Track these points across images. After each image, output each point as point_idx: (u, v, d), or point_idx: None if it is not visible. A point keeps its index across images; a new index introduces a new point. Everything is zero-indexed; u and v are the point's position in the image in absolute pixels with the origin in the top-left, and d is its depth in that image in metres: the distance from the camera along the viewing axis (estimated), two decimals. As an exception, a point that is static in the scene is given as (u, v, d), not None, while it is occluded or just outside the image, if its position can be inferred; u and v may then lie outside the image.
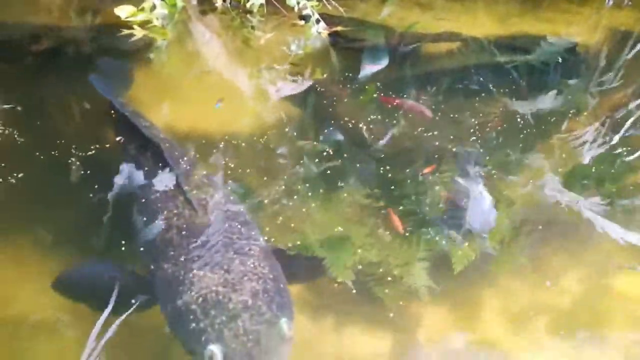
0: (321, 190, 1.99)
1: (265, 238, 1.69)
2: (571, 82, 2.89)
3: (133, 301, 1.51)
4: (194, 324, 1.33)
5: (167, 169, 1.82)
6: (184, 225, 1.61)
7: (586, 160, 2.23)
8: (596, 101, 2.72)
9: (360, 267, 1.69)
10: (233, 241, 1.56)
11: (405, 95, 2.58)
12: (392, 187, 2.02)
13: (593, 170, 2.17)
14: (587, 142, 2.34)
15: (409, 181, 2.05)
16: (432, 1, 3.84)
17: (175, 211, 1.66)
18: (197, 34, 3.28)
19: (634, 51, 3.23)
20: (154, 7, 3.07)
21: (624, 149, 2.28)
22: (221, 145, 2.18)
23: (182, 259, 1.51)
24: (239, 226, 1.64)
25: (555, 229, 1.91)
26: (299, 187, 2.00)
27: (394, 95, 2.56)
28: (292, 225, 1.84)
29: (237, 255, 1.50)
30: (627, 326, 1.56)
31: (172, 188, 1.74)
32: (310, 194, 1.97)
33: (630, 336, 1.53)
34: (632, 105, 2.60)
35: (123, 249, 1.70)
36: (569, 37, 3.43)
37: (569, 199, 2.01)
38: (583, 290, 1.66)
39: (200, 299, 1.37)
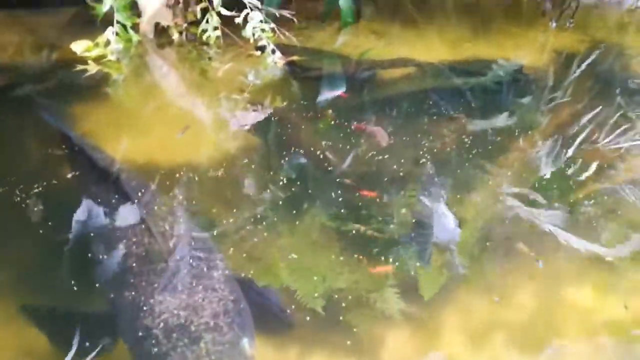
0: (286, 217, 1.98)
1: (227, 267, 1.66)
2: (523, 101, 3.00)
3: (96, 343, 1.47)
4: (156, 349, 1.33)
5: (126, 200, 1.82)
6: (143, 253, 1.62)
7: (543, 174, 2.29)
8: (548, 119, 2.82)
9: (329, 293, 1.67)
10: (193, 266, 1.58)
11: (365, 121, 2.62)
12: (358, 209, 2.01)
13: (550, 184, 2.22)
14: (542, 157, 2.41)
15: (374, 203, 2.05)
16: (386, 29, 3.96)
17: (134, 239, 1.67)
18: (155, 67, 3.26)
19: (579, 70, 3.39)
20: (108, 43, 3.05)
21: (578, 162, 2.35)
22: (182, 176, 2.14)
23: (142, 284, 1.52)
24: (199, 252, 1.66)
25: (515, 244, 1.93)
26: (263, 214, 1.98)
27: (360, 123, 2.59)
28: (257, 253, 1.81)
29: (196, 279, 1.53)
30: (582, 336, 1.58)
31: (131, 218, 1.76)
32: (275, 220, 1.96)
33: (584, 346, 1.54)
34: (582, 122, 2.71)
35: (80, 286, 1.64)
36: (517, 59, 3.58)
37: (529, 213, 2.05)
38: (537, 304, 1.67)
39: (162, 324, 1.38)
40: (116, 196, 1.86)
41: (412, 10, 4.50)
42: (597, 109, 2.82)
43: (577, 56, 3.60)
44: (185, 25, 3.34)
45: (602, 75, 3.39)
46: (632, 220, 2.05)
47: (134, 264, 1.61)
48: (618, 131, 2.63)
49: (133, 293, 1.51)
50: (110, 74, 2.99)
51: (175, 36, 3.33)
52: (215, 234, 1.86)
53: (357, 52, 3.46)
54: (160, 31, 3.37)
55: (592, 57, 3.62)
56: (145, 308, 1.44)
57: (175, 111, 2.79)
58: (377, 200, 2.06)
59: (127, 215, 1.79)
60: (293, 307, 1.64)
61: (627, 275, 1.81)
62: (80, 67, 2.95)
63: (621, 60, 3.66)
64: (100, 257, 1.71)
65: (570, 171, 2.31)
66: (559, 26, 4.03)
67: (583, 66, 3.45)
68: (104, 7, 3.11)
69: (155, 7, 3.21)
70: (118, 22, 3.11)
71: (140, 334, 1.39)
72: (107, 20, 3.15)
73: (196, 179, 2.14)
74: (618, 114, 2.79)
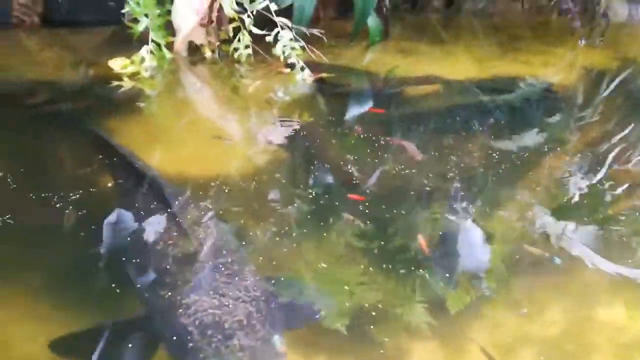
0: (313, 232, 1.99)
1: (257, 271, 1.70)
2: (552, 119, 2.99)
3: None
4: (191, 344, 1.40)
5: (162, 205, 1.91)
6: (179, 254, 1.70)
7: (572, 193, 2.27)
8: (577, 137, 2.80)
9: (355, 311, 1.67)
10: (226, 267, 1.65)
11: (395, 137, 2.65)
12: (384, 225, 2.02)
13: (580, 203, 2.21)
14: (571, 176, 2.39)
15: (400, 219, 2.06)
16: (413, 47, 4.01)
17: (170, 242, 1.76)
18: (188, 84, 3.38)
19: (609, 89, 3.36)
20: (143, 60, 3.18)
21: (608, 182, 2.33)
22: (213, 187, 2.19)
23: (178, 284, 1.59)
24: (231, 255, 1.73)
25: (545, 263, 1.92)
26: (290, 228, 2.00)
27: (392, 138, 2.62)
28: (285, 267, 1.83)
29: (230, 280, 1.59)
30: (612, 354, 1.56)
31: (167, 222, 1.84)
32: (302, 235, 1.98)
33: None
34: (612, 141, 2.68)
35: (118, 291, 1.69)
36: (546, 78, 3.57)
37: (558, 232, 2.03)
38: (568, 322, 1.66)
39: (197, 322, 1.45)
40: (154, 202, 1.93)
41: (439, 29, 4.55)
42: (628, 128, 2.79)
43: (607, 74, 3.57)
44: (217, 43, 3.45)
45: (632, 94, 3.35)
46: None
47: (169, 266, 1.67)
48: (650, 150, 2.60)
49: (169, 293, 1.56)
50: (144, 89, 3.11)
51: (208, 54, 3.44)
52: (244, 243, 1.90)
53: (385, 70, 3.51)
54: (194, 49, 3.49)
55: (623, 75, 3.58)
56: (180, 306, 1.50)
57: (207, 125, 2.87)
58: (405, 213, 2.07)
59: (163, 219, 1.86)
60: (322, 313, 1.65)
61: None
62: (115, 83, 3.07)
63: (653, 78, 3.61)
64: (136, 260, 1.77)
65: (600, 191, 2.28)
66: (588, 44, 4.01)
67: (613, 84, 3.42)
68: (140, 27, 3.25)
69: (190, 26, 3.34)
70: (153, 41, 3.24)
71: (175, 330, 1.45)
72: (143, 39, 3.29)
73: (226, 190, 2.19)
74: (649, 133, 2.76)
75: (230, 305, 1.50)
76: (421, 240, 2.06)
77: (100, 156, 2.33)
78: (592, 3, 4.15)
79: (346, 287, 1.74)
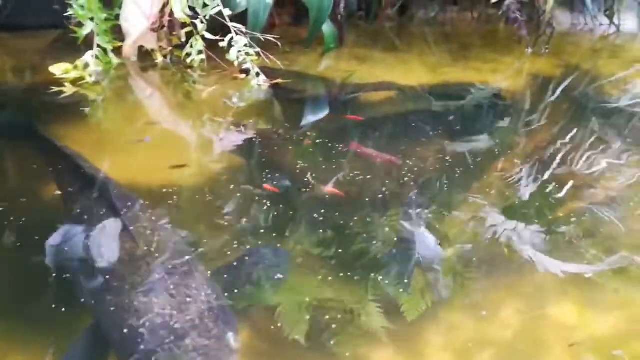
0: (274, 236, 1.96)
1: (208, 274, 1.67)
2: (501, 124, 3.07)
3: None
4: (142, 347, 1.37)
5: (111, 211, 1.88)
6: (126, 257, 1.67)
7: (522, 196, 2.33)
8: (526, 141, 2.88)
9: (313, 320, 1.64)
10: (177, 269, 1.64)
11: (349, 143, 2.65)
12: (341, 229, 2.02)
13: (529, 205, 2.26)
14: (521, 178, 2.45)
15: (357, 223, 2.06)
16: (368, 54, 4.05)
17: (119, 247, 1.72)
18: (138, 89, 3.27)
19: (555, 95, 3.50)
20: (87, 65, 3.06)
21: (556, 184, 2.40)
22: (165, 195, 2.13)
23: (125, 288, 1.56)
24: (183, 258, 1.71)
25: (496, 263, 1.95)
26: (246, 236, 1.96)
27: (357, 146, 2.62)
28: (246, 271, 1.78)
29: (181, 282, 1.58)
30: (565, 353, 1.58)
31: (116, 228, 1.81)
32: (259, 242, 1.94)
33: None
34: (558, 144, 2.77)
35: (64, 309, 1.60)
36: (495, 84, 3.68)
37: (509, 233, 2.07)
38: (523, 322, 1.68)
39: (148, 324, 1.43)
40: (102, 209, 1.89)
41: (392, 37, 4.62)
42: (573, 132, 2.90)
43: (552, 81, 3.72)
44: (169, 49, 3.37)
45: (577, 99, 3.50)
46: (609, 238, 2.09)
47: (116, 269, 1.65)
48: (594, 153, 2.70)
49: (117, 297, 1.54)
50: (87, 95, 2.99)
51: (159, 59, 3.35)
52: (197, 249, 1.84)
53: (341, 76, 3.52)
54: (144, 54, 3.39)
55: (567, 81, 3.74)
56: (129, 310, 1.48)
57: (159, 132, 2.78)
58: (362, 222, 2.07)
59: (111, 225, 1.83)
60: (279, 325, 1.62)
61: (607, 289, 1.83)
62: (57, 89, 2.94)
63: (595, 84, 3.78)
64: (84, 268, 1.72)
65: (548, 192, 2.34)
66: (535, 52, 4.17)
67: (559, 90, 3.56)
68: (84, 31, 3.13)
69: (140, 31, 3.24)
70: (99, 45, 3.12)
71: (125, 334, 1.42)
72: (90, 43, 3.17)
73: (179, 198, 2.13)
74: (593, 137, 2.87)
75: (182, 306, 1.49)
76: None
77: (46, 162, 2.22)
78: (538, 13, 4.32)
79: (304, 296, 1.71)
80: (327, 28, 3.86)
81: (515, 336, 1.62)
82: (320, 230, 2.02)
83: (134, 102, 3.15)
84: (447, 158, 2.55)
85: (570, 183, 2.40)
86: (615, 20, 4.96)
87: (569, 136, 2.85)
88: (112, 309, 1.52)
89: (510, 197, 2.32)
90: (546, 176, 2.46)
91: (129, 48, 3.32)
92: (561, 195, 2.33)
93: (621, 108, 3.34)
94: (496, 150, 2.70)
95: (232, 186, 2.26)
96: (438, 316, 1.68)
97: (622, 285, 1.85)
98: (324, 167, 2.42)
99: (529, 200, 2.30)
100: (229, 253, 1.86)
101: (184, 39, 3.29)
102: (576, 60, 4.25)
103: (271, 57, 3.29)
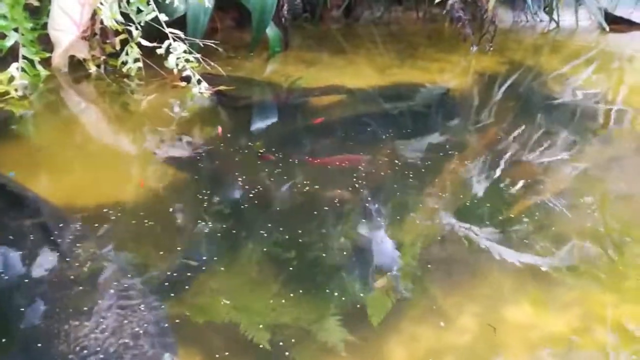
0: (223, 251, 1.87)
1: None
2: (451, 123, 3.07)
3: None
4: None
5: (45, 235, 1.81)
6: (55, 279, 1.63)
7: (475, 193, 2.32)
8: (476, 139, 2.89)
9: (274, 325, 1.58)
10: (111, 289, 1.60)
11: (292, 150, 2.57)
12: (297, 238, 1.94)
13: (482, 202, 2.26)
14: (472, 176, 2.44)
15: (312, 234, 1.98)
16: (315, 57, 3.98)
17: (48, 267, 1.67)
18: (71, 102, 3.06)
19: (501, 91, 3.55)
20: (12, 79, 2.82)
21: (507, 179, 2.40)
22: (105, 214, 1.99)
23: (57, 311, 1.51)
24: (117, 279, 1.67)
25: (454, 265, 1.91)
26: (198, 250, 1.86)
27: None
28: (199, 290, 1.69)
29: (115, 302, 1.55)
30: (523, 354, 1.56)
31: (51, 252, 1.75)
32: (212, 256, 1.84)
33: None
34: (507, 140, 2.79)
35: None
36: (443, 83, 3.70)
37: (464, 232, 2.04)
38: (480, 326, 1.65)
39: (78, 348, 1.39)
40: (35, 232, 1.83)
41: (339, 38, 4.58)
42: (521, 128, 2.93)
43: (498, 78, 3.77)
44: (103, 57, 3.17)
45: (522, 95, 3.56)
46: (561, 229, 2.10)
47: (47, 292, 1.59)
48: (541, 147, 2.74)
49: (48, 320, 1.49)
50: (14, 111, 2.76)
51: (93, 69, 3.15)
52: (146, 273, 1.73)
53: (288, 81, 3.43)
54: (76, 65, 3.18)
55: (512, 78, 3.81)
56: (62, 333, 1.44)
57: (97, 147, 2.60)
58: (318, 229, 2.00)
59: (46, 249, 1.75)
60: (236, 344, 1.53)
61: (562, 285, 1.82)
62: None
63: (538, 79, 3.87)
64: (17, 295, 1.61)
65: (500, 188, 2.34)
66: (480, 50, 4.23)
67: (504, 87, 3.61)
68: (8, 42, 2.89)
69: (70, 40, 3.03)
70: (24, 57, 2.89)
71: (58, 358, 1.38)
72: (15, 54, 2.93)
73: (121, 216, 2.00)
74: (540, 131, 2.92)
75: (115, 329, 1.46)
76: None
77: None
78: (480, 11, 4.38)
79: (258, 314, 1.62)
80: (271, 31, 3.76)
81: (475, 341, 1.58)
82: (273, 243, 1.93)
83: (66, 117, 2.94)
84: (400, 160, 2.51)
85: (522, 178, 2.41)
86: (555, 17, 5.12)
87: (517, 132, 2.88)
88: (44, 332, 1.47)
89: (464, 195, 2.30)
90: (498, 172, 2.47)
91: (58, 58, 3.10)
92: (513, 190, 2.34)
93: (564, 102, 3.43)
94: (448, 149, 2.68)
95: (176, 202, 2.12)
96: (398, 325, 1.62)
97: (575, 280, 1.85)
98: (274, 176, 2.32)
99: (482, 198, 2.29)
100: (175, 274, 1.73)
101: (118, 47, 3.10)
102: (519, 57, 4.35)
103: (212, 63, 3.14)
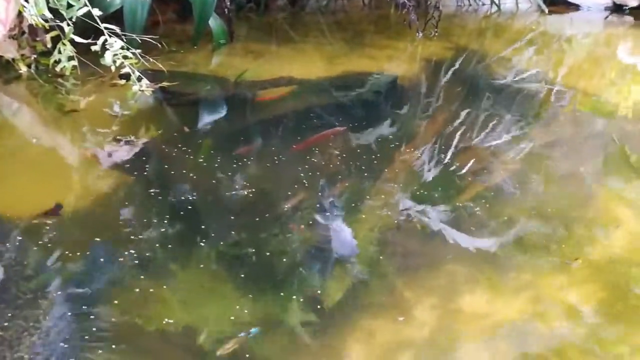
0: (181, 253, 1.81)
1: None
2: (401, 111, 3.09)
3: None
4: None
5: None
6: None
7: (427, 178, 2.35)
8: (426, 124, 2.92)
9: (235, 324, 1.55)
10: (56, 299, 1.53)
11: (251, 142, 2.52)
12: (252, 235, 1.90)
13: (435, 186, 2.29)
14: (424, 162, 2.46)
15: (271, 223, 1.96)
16: (262, 48, 3.89)
17: None
18: (1, 107, 2.86)
19: (447, 76, 3.59)
20: None
21: (457, 163, 2.44)
22: (50, 223, 1.88)
23: None
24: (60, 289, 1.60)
25: (409, 253, 1.93)
26: (154, 254, 1.79)
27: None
28: (152, 296, 1.62)
29: (16, 312, 1.48)
30: (480, 343, 1.58)
31: None
32: (168, 259, 1.78)
33: (484, 352, 1.55)
34: (455, 124, 2.83)
35: None
36: (391, 71, 3.71)
37: (419, 218, 2.06)
38: (438, 318, 1.66)
39: (23, 356, 1.35)
40: None
41: (286, 28, 4.50)
42: (467, 111, 2.98)
43: (444, 63, 3.82)
44: (34, 56, 2.98)
45: (468, 79, 3.62)
46: (510, 211, 2.15)
47: None
48: (488, 130, 2.80)
49: None
50: None
51: (24, 69, 2.95)
52: (95, 279, 1.67)
53: (235, 73, 3.34)
54: (4, 65, 2.97)
55: (458, 63, 3.86)
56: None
57: (33, 153, 2.44)
58: (275, 223, 1.97)
59: None
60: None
61: (512, 272, 1.86)
62: None
63: (483, 63, 3.95)
64: None
65: (451, 172, 2.38)
66: (425, 36, 4.26)
67: (451, 72, 3.66)
68: None
69: (-5, 38, 2.82)
70: (-54, 59, 2.68)
71: None
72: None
73: (68, 224, 1.91)
74: (486, 114, 2.98)
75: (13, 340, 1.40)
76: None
77: None
78: (424, -3, 4.42)
79: (218, 312, 1.59)
80: (215, 23, 3.64)
81: (432, 333, 1.59)
82: (229, 240, 1.89)
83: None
84: (352, 149, 2.51)
85: (471, 161, 2.45)
86: (496, 0, 5.23)
87: (465, 116, 2.93)
88: None
89: (417, 181, 2.32)
90: (448, 157, 2.50)
91: (-16, 59, 2.90)
92: (463, 172, 2.38)
93: (508, 84, 3.51)
94: (399, 135, 2.70)
95: (121, 206, 2.03)
96: (358, 319, 1.62)
97: (524, 261, 1.89)
98: (225, 173, 2.26)
99: (435, 182, 2.32)
100: (123, 282, 1.65)
101: (50, 45, 2.91)
102: (464, 42, 4.42)
103: (151, 59, 3.00)
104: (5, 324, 1.48)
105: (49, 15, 2.67)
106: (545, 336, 1.60)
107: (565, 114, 3.18)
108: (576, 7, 5.48)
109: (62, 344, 1.44)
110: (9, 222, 1.90)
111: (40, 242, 1.80)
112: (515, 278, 1.83)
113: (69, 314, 1.54)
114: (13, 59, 2.95)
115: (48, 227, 1.87)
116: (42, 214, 1.94)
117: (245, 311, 1.60)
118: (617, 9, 5.48)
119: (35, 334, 1.45)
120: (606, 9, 5.52)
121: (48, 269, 1.70)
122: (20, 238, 1.82)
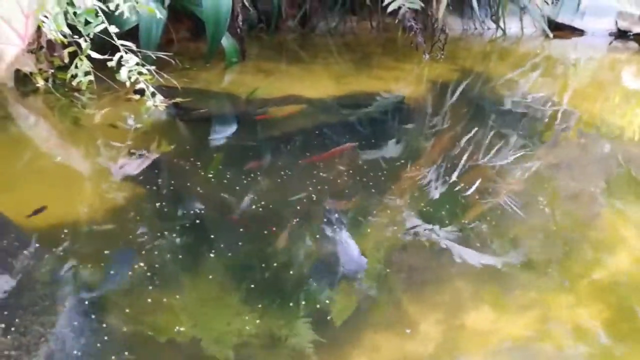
0: (188, 266, 1.83)
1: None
2: (408, 130, 3.14)
3: None
4: None
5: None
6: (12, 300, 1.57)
7: (433, 197, 2.37)
8: (432, 144, 2.96)
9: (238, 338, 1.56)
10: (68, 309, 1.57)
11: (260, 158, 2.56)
12: (262, 247, 1.93)
13: (441, 205, 2.31)
14: (431, 180, 2.49)
15: (278, 239, 1.98)
16: (273, 67, 3.98)
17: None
18: (18, 117, 2.93)
19: (453, 98, 3.65)
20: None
21: (463, 182, 2.47)
22: (65, 233, 1.91)
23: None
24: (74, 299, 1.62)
25: (416, 269, 1.94)
26: (162, 266, 1.81)
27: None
28: (160, 307, 1.64)
29: (35, 317, 1.52)
30: (485, 358, 1.59)
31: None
32: (176, 272, 1.80)
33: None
34: (462, 144, 2.87)
35: None
36: (398, 91, 3.77)
37: (426, 236, 2.08)
38: (443, 334, 1.67)
39: None
40: None
41: (296, 48, 4.60)
42: (473, 131, 3.03)
43: (450, 84, 3.89)
44: (51, 71, 3.06)
45: (473, 101, 3.68)
46: (516, 230, 2.18)
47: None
48: (493, 150, 2.83)
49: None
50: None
51: (41, 83, 3.03)
52: (104, 291, 1.68)
53: (246, 91, 3.41)
54: (23, 79, 3.05)
55: (464, 84, 3.93)
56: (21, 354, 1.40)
57: (48, 164, 2.49)
58: (279, 239, 1.99)
59: None
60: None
61: (518, 290, 1.88)
62: None
63: (488, 85, 4.01)
64: None
65: (457, 191, 2.41)
66: (432, 58, 4.34)
67: (457, 93, 3.72)
68: (-52, 57, 2.75)
69: (14, 53, 2.90)
70: (-34, 72, 2.76)
71: None
72: (-43, 69, 2.79)
73: (82, 235, 1.94)
74: (491, 134, 3.02)
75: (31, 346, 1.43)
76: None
77: None
78: (431, 20, 4.51)
79: (225, 327, 1.60)
80: (227, 42, 3.74)
81: (437, 349, 1.60)
82: (237, 254, 1.91)
83: (15, 133, 2.81)
84: (360, 167, 2.54)
85: (477, 181, 2.48)
86: (501, 25, 5.33)
87: (471, 136, 2.97)
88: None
89: (423, 200, 2.34)
90: (454, 176, 2.53)
91: (3, 72, 2.97)
92: (470, 191, 2.40)
93: (513, 106, 3.57)
94: (406, 155, 2.73)
95: (134, 219, 2.06)
96: (363, 334, 1.63)
97: (530, 280, 1.91)
98: (236, 187, 2.29)
99: (441, 200, 2.34)
100: (135, 291, 1.68)
101: (67, 60, 2.99)
102: (470, 64, 4.49)
103: (166, 75, 3.08)
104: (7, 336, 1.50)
105: (67, 31, 2.75)
106: (549, 354, 1.61)
107: (570, 135, 3.22)
108: (581, 32, 5.58)
109: (75, 352, 1.46)
110: (24, 231, 1.93)
111: (54, 251, 1.84)
112: (520, 296, 1.84)
113: (80, 322, 1.56)
114: (31, 73, 3.03)
115: (62, 237, 1.91)
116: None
117: (254, 322, 1.62)
118: (622, 34, 5.57)
119: (46, 344, 1.47)
120: (610, 34, 5.61)
121: (61, 277, 1.73)
122: (34, 247, 1.85)
